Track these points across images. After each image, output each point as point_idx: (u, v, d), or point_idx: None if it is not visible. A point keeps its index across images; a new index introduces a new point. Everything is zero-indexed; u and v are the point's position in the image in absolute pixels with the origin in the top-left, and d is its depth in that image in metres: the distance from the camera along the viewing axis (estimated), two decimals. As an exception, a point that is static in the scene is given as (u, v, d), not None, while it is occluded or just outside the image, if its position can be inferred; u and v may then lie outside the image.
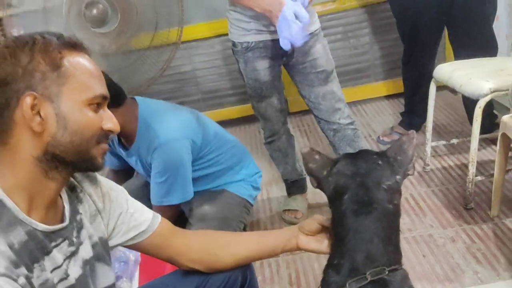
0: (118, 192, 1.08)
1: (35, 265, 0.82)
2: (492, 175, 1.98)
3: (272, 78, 2.01)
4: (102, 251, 1.00)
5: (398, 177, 1.04)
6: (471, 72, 2.06)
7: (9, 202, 0.81)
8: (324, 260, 1.07)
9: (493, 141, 2.33)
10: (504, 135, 1.81)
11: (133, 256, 1.53)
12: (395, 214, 1.04)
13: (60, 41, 0.85)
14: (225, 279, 1.16)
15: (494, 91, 1.90)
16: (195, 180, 1.82)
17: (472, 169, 2.02)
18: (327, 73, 2.01)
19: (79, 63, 0.86)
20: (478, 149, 2.09)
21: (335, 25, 3.26)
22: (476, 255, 1.85)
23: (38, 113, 0.82)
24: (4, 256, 0.76)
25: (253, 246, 1.19)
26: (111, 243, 1.06)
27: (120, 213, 1.06)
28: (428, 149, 2.43)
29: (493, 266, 1.78)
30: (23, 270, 0.78)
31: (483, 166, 2.33)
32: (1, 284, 0.73)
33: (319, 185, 1.10)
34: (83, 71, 0.86)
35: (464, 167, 2.35)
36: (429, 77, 2.32)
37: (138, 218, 1.08)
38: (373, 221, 1.00)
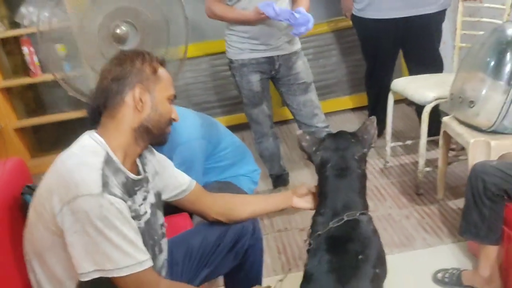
0: (167, 162, 1.49)
1: (130, 198, 1.22)
2: (437, 167, 2.48)
3: (262, 89, 2.48)
4: (159, 201, 1.41)
5: (365, 150, 1.51)
6: (420, 84, 2.59)
7: (114, 157, 1.21)
8: (303, 235, 1.50)
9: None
10: (445, 133, 2.32)
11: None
12: (363, 176, 1.49)
13: (157, 58, 1.29)
14: (240, 228, 1.57)
15: (437, 99, 2.42)
16: (205, 171, 2.12)
17: (421, 161, 2.53)
18: (307, 84, 2.49)
19: (165, 72, 1.30)
20: (428, 150, 2.61)
21: (307, 47, 3.74)
22: (425, 227, 2.33)
23: (141, 99, 1.23)
24: (117, 187, 1.17)
25: (261, 204, 1.63)
26: (163, 197, 1.46)
27: (168, 176, 1.46)
28: (388, 149, 2.93)
29: (438, 235, 2.26)
30: (126, 198, 1.19)
31: (431, 162, 2.84)
32: (119, 203, 1.13)
33: (309, 158, 1.54)
34: (167, 77, 1.30)
35: (417, 163, 2.84)
36: (387, 90, 2.82)
37: (180, 181, 1.49)
38: (348, 181, 1.46)
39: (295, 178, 2.91)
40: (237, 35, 2.39)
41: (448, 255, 2.11)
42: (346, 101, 3.92)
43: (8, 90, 3.43)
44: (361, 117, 3.76)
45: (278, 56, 2.41)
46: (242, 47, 2.39)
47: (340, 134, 1.57)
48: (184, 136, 1.95)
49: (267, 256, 2.25)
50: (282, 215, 2.61)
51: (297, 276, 1.39)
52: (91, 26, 2.26)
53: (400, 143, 3.07)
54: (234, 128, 3.72)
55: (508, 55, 1.91)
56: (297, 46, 2.47)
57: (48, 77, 3.36)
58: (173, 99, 1.33)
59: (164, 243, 1.42)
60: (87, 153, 1.18)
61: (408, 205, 2.53)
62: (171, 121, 1.33)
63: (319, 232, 1.41)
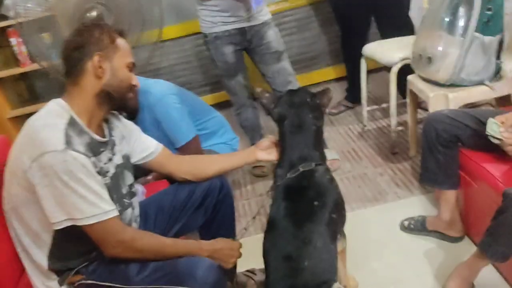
0: (134, 127, 1.61)
1: (95, 157, 1.33)
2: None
3: (236, 60, 2.58)
4: (127, 162, 1.53)
5: (319, 110, 1.62)
6: (388, 47, 2.68)
7: (78, 120, 1.33)
8: None
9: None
10: (411, 91, 2.41)
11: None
12: (318, 132, 1.60)
13: (115, 28, 1.41)
14: (208, 184, 1.69)
15: (403, 59, 2.51)
16: None
17: (393, 121, 2.63)
18: (279, 53, 2.58)
19: (123, 42, 1.41)
20: (400, 112, 2.70)
21: (288, 21, 3.84)
22: (397, 182, 2.45)
23: (100, 66, 1.34)
24: (81, 145, 1.29)
25: (226, 161, 1.74)
26: (132, 160, 1.58)
27: (135, 140, 1.58)
28: (364, 113, 3.03)
29: (408, 188, 2.38)
30: (90, 155, 1.31)
31: (406, 124, 2.94)
32: (83, 158, 1.26)
33: (268, 114, 1.66)
34: (125, 47, 1.42)
35: (393, 125, 2.97)
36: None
37: (148, 144, 1.62)
38: (303, 136, 1.57)
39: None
40: (208, 9, 2.48)
41: (417, 206, 2.23)
42: (329, 72, 4.01)
43: (1, 81, 3.56)
44: (344, 86, 3.84)
45: (249, 27, 2.50)
46: (214, 20, 2.49)
47: (298, 92, 1.68)
48: (157, 95, 2.08)
49: (241, 220, 2.38)
50: (264, 180, 2.73)
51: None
52: (68, 9, 2.37)
53: (377, 107, 3.17)
54: (220, 106, 3.89)
55: (460, 10, 2.00)
56: (267, 16, 2.56)
57: (35, 66, 3.50)
58: (132, 67, 1.44)
59: (135, 201, 1.55)
60: (52, 116, 1.30)
61: (383, 163, 2.65)
62: (131, 87, 1.44)
63: (278, 183, 1.54)
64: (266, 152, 1.70)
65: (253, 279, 1.91)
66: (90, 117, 1.37)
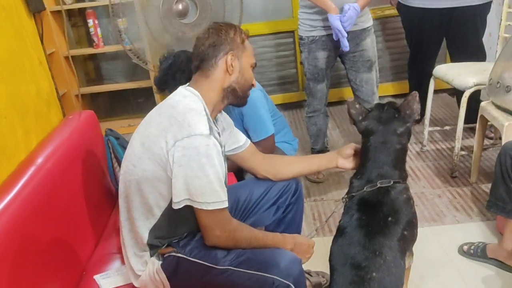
0: (230, 120, 1.68)
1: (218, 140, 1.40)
2: (473, 152, 2.58)
3: (326, 66, 2.64)
4: (225, 153, 1.59)
5: (408, 124, 1.61)
6: (461, 71, 2.68)
7: (207, 109, 1.41)
8: (337, 206, 1.66)
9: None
10: (482, 117, 2.42)
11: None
12: (402, 150, 1.60)
13: (244, 30, 1.49)
14: (285, 185, 1.75)
15: (476, 85, 2.51)
16: None
17: (457, 145, 2.63)
18: (372, 62, 2.62)
19: (249, 43, 1.50)
20: (466, 137, 2.70)
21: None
22: (456, 206, 2.45)
23: (232, 64, 1.43)
24: (213, 131, 1.36)
25: (306, 164, 1.79)
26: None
27: (230, 132, 1.66)
28: (426, 134, 3.03)
29: (467, 213, 2.38)
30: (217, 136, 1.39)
31: (468, 149, 2.93)
32: (219, 146, 1.34)
33: (355, 124, 1.68)
34: (251, 48, 1.51)
35: (453, 149, 2.93)
36: (429, 78, 2.91)
37: (238, 138, 1.69)
38: (385, 155, 1.58)
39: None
40: (309, 12, 2.53)
41: (476, 231, 2.23)
42: (388, 88, 4.02)
43: (72, 59, 3.71)
44: (401, 104, 3.85)
45: (347, 32, 2.48)
46: (313, 24, 2.54)
47: (388, 107, 1.67)
48: None
49: (303, 222, 2.42)
50: (319, 186, 2.78)
51: (329, 240, 1.54)
52: (155, 1, 2.48)
53: (438, 128, 3.17)
54: (286, 107, 3.99)
55: (547, 44, 2.00)
56: (368, 23, 2.59)
57: (108, 48, 3.66)
58: (254, 67, 1.53)
59: None
60: (191, 101, 1.39)
61: (442, 186, 2.65)
62: (251, 86, 1.53)
63: (353, 193, 1.57)
64: (347, 160, 1.73)
65: (309, 280, 1.96)
66: (213, 108, 1.45)
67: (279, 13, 3.89)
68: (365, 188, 1.55)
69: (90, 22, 3.58)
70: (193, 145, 1.28)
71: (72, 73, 3.71)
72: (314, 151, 2.94)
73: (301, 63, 2.72)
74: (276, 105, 3.98)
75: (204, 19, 2.53)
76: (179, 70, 1.84)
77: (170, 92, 1.50)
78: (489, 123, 2.41)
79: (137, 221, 1.41)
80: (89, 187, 1.71)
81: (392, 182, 1.55)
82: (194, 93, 1.42)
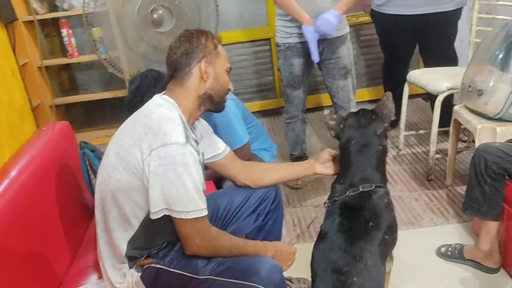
0: (208, 127, 1.68)
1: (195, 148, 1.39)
2: (448, 155, 2.63)
3: (303, 73, 2.65)
4: (203, 161, 1.58)
5: (385, 124, 1.64)
6: (434, 75, 2.74)
7: (183, 117, 1.40)
8: (316, 212, 1.66)
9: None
10: (455, 120, 2.47)
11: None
12: (383, 152, 1.62)
13: (216, 36, 1.49)
14: (265, 192, 1.75)
15: (450, 89, 2.57)
16: None
17: (432, 148, 2.68)
18: (347, 69, 2.65)
19: (222, 48, 1.49)
20: (440, 141, 2.75)
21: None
22: (433, 209, 2.49)
23: (206, 71, 1.42)
24: (189, 139, 1.34)
25: (285, 171, 1.80)
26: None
27: (209, 139, 1.65)
28: (401, 138, 3.08)
29: (444, 215, 2.42)
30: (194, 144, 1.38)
31: (442, 152, 2.98)
32: (196, 154, 1.32)
33: (336, 135, 1.67)
34: (224, 53, 1.50)
35: (429, 152, 2.98)
36: (403, 83, 2.96)
37: (217, 145, 1.68)
38: (368, 157, 1.59)
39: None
40: (284, 19, 2.55)
41: (452, 233, 2.27)
42: (364, 93, 4.07)
43: (46, 70, 3.66)
44: (377, 109, 3.91)
45: (323, 39, 2.53)
46: (289, 31, 2.56)
47: (362, 112, 1.69)
48: None
49: (283, 228, 2.42)
50: (298, 192, 2.79)
51: (310, 245, 1.55)
52: (130, 10, 2.47)
53: (414, 133, 3.22)
54: (264, 114, 4.00)
55: (515, 48, 2.06)
56: (345, 30, 2.61)
57: (83, 58, 3.61)
58: (229, 72, 1.52)
59: None
60: (166, 109, 1.38)
61: (418, 189, 2.69)
62: (228, 91, 1.53)
63: (336, 198, 1.58)
64: (325, 166, 1.74)
65: (290, 287, 1.95)
66: (189, 116, 1.44)
67: (255, 21, 3.91)
68: (347, 192, 1.56)
69: (64, 31, 3.52)
70: (169, 154, 1.27)
71: (46, 84, 3.66)
72: (293, 157, 2.95)
73: (278, 69, 2.74)
74: (254, 112, 4.02)
75: (180, 28, 2.53)
76: (147, 92, 1.83)
77: None
78: (462, 126, 2.46)
79: (115, 232, 1.39)
80: (65, 200, 1.69)
81: (374, 187, 1.56)
82: (169, 101, 1.40)
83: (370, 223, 1.48)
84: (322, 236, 1.52)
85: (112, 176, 1.36)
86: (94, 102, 3.86)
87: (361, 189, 1.54)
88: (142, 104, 1.50)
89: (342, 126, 1.64)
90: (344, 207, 1.54)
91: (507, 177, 1.85)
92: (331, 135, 1.70)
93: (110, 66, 2.61)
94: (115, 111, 3.99)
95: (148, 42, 2.48)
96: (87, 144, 1.76)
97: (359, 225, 1.49)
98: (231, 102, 2.17)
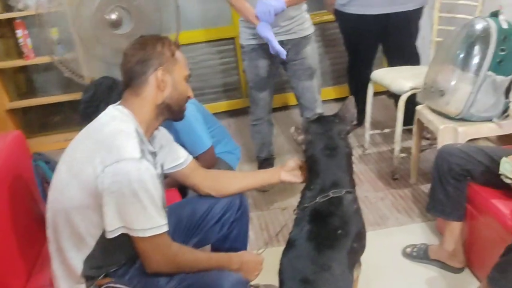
0: (169, 136, 1.61)
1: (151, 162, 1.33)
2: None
3: (268, 75, 2.61)
4: (162, 172, 1.53)
5: (348, 128, 1.63)
6: (398, 75, 2.75)
7: (140, 130, 1.33)
8: (284, 214, 1.62)
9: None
10: (418, 120, 2.49)
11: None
12: (350, 154, 1.62)
13: (173, 42, 1.41)
14: (229, 201, 1.71)
15: (412, 88, 2.58)
16: None
17: (397, 147, 2.70)
18: (312, 70, 2.62)
19: (181, 55, 1.42)
20: (405, 139, 2.77)
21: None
22: (398, 208, 2.51)
23: (163, 79, 1.35)
24: (149, 155, 1.30)
25: (250, 180, 1.76)
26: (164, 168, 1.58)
27: (169, 149, 1.59)
28: (367, 137, 3.09)
29: (409, 215, 2.44)
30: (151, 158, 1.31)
31: (407, 150, 3.00)
32: (152, 169, 1.26)
33: (306, 150, 1.62)
34: (183, 59, 1.42)
35: (393, 150, 3.02)
36: (368, 82, 2.97)
37: (179, 154, 1.62)
38: (337, 161, 1.57)
39: (281, 164, 3.03)
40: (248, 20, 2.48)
41: (418, 233, 2.29)
42: (329, 92, 4.07)
43: (0, 72, 3.50)
44: (343, 107, 3.92)
45: (288, 40, 2.49)
46: (253, 32, 2.48)
47: (325, 117, 1.68)
48: None
49: (250, 233, 2.37)
50: (265, 195, 2.76)
51: (279, 250, 1.51)
52: (87, 11, 2.38)
53: (379, 131, 3.24)
54: (231, 114, 3.96)
55: (476, 48, 2.08)
56: (309, 31, 2.57)
57: (40, 60, 3.47)
58: (188, 79, 1.45)
59: None
60: (120, 122, 1.31)
61: (384, 188, 2.71)
62: (188, 98, 1.46)
63: (306, 205, 1.54)
64: (290, 173, 1.71)
65: (258, 295, 1.93)
66: (147, 128, 1.37)
67: (219, 20, 3.85)
68: (317, 198, 1.53)
69: (19, 32, 3.37)
70: (123, 170, 1.21)
71: (2, 87, 3.51)
72: (260, 159, 2.92)
73: (243, 71, 2.69)
74: (220, 112, 3.99)
75: (140, 30, 2.45)
76: (102, 101, 1.75)
77: None
78: (425, 125, 2.48)
79: (69, 252, 1.32)
80: (18, 215, 1.60)
81: (344, 192, 1.54)
82: (124, 112, 1.33)
83: (339, 231, 1.46)
84: (290, 244, 1.49)
85: (64, 194, 1.29)
86: (53, 105, 3.72)
87: (331, 195, 1.52)
88: (97, 114, 1.43)
89: (307, 137, 1.61)
90: (313, 214, 1.52)
91: (469, 178, 1.87)
92: (303, 149, 1.65)
93: (67, 70, 2.50)
94: (75, 114, 3.85)
95: (106, 44, 2.39)
96: (41, 155, 1.67)
97: (328, 233, 1.47)
98: (191, 106, 2.11)
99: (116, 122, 1.30)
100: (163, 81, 1.35)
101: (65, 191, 1.28)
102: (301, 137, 1.62)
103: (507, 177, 1.64)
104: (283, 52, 2.35)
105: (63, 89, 3.81)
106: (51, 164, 1.70)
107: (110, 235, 1.24)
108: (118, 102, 1.39)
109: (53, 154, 1.87)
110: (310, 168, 1.62)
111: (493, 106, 2.14)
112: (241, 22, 2.55)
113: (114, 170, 1.21)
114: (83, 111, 1.80)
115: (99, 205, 1.24)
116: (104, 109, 1.42)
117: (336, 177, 1.55)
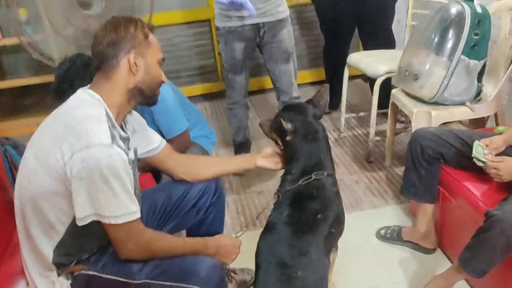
0: (142, 120, 1.58)
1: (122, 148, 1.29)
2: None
3: (244, 58, 2.58)
4: (136, 157, 1.49)
5: (321, 114, 1.64)
6: (373, 59, 2.76)
7: (111, 114, 1.29)
8: (260, 197, 1.60)
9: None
10: (393, 104, 2.50)
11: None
12: (328, 138, 1.63)
13: (147, 24, 1.36)
14: (204, 186, 1.69)
15: (387, 72, 2.60)
16: None
17: (372, 131, 2.72)
18: (289, 53, 2.60)
19: (154, 38, 1.37)
20: (380, 122, 2.79)
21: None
22: (373, 191, 2.54)
23: (135, 63, 1.31)
24: (120, 141, 1.26)
25: (225, 165, 1.74)
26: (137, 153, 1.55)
27: (143, 133, 1.56)
28: (342, 121, 3.11)
29: (383, 197, 2.47)
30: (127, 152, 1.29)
31: (382, 133, 3.04)
32: (124, 155, 1.23)
33: (279, 133, 1.61)
34: (156, 42, 1.38)
35: (369, 134, 3.04)
36: (344, 65, 2.98)
37: (153, 138, 1.59)
38: (320, 144, 1.58)
39: (257, 148, 3.04)
40: (224, 2, 2.43)
41: (391, 215, 2.32)
42: (305, 75, 4.07)
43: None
44: (319, 90, 3.92)
45: (263, 23, 2.47)
46: (229, 14, 2.45)
47: (300, 105, 1.69)
48: None
49: (226, 217, 2.37)
50: (242, 179, 2.76)
51: (255, 234, 1.52)
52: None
53: (354, 115, 3.26)
54: (207, 97, 3.91)
55: (450, 32, 2.10)
56: (285, 13, 2.55)
57: (8, 41, 3.34)
58: (161, 63, 1.41)
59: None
60: (90, 106, 1.26)
61: (359, 171, 2.73)
62: (161, 83, 1.42)
63: (288, 188, 1.54)
64: (267, 160, 1.70)
65: (234, 279, 1.93)
66: (118, 112, 1.34)
67: (194, 1, 3.77)
68: (300, 181, 1.53)
69: (-15, 12, 3.25)
70: (93, 156, 1.17)
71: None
72: (236, 143, 2.90)
73: (219, 53, 2.65)
74: (196, 96, 3.94)
75: (111, 10, 2.39)
76: (77, 76, 1.70)
77: None
78: (400, 108, 2.50)
79: (38, 239, 1.29)
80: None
81: (325, 174, 1.54)
82: (94, 97, 1.29)
83: (319, 215, 1.47)
84: (269, 228, 1.49)
85: (32, 181, 1.25)
86: (23, 88, 3.62)
87: (314, 177, 1.52)
88: (72, 91, 1.39)
89: (281, 123, 1.58)
90: (294, 197, 1.51)
91: (442, 161, 1.90)
92: (276, 139, 1.65)
93: (36, 52, 2.42)
94: (46, 97, 3.75)
95: (76, 25, 2.31)
96: (9, 139, 1.62)
97: (307, 217, 1.47)
98: (167, 88, 2.08)
99: (86, 106, 1.27)
100: (135, 65, 1.31)
101: (33, 177, 1.25)
102: (289, 126, 1.58)
103: (479, 160, 1.67)
104: (252, 9, 2.33)
105: (34, 71, 3.70)
106: (19, 149, 1.65)
107: (80, 222, 1.22)
108: (88, 86, 1.35)
109: (25, 138, 1.80)
110: (290, 154, 1.60)
111: (466, 90, 2.17)
112: (216, 4, 2.50)
113: (83, 156, 1.17)
114: (57, 86, 1.73)
115: (68, 191, 1.21)
116: (79, 86, 1.37)
117: (318, 160, 1.55)
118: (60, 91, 1.73)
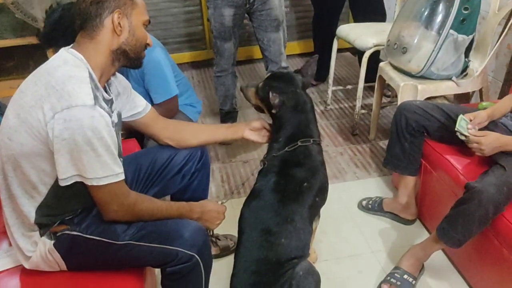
0: (127, 83, 1.55)
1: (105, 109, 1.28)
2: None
3: (233, 24, 2.55)
4: (120, 121, 1.48)
5: (308, 84, 1.65)
6: (362, 31, 2.74)
7: (94, 75, 1.27)
8: (246, 167, 1.60)
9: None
10: (380, 77, 2.51)
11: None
12: (314, 108, 1.63)
13: None
14: (189, 152, 1.68)
15: (376, 45, 2.59)
16: None
17: (358, 104, 2.73)
18: (279, 22, 2.57)
19: None
20: (367, 96, 2.79)
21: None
22: (356, 163, 2.57)
23: (119, 23, 1.28)
24: (103, 102, 1.25)
25: (212, 134, 1.73)
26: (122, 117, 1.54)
27: (127, 96, 1.53)
28: (329, 93, 3.11)
29: (366, 169, 2.51)
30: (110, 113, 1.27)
31: (368, 107, 3.06)
32: (107, 116, 1.21)
33: (266, 101, 1.61)
34: (142, 3, 1.35)
35: (355, 107, 3.06)
36: (333, 37, 2.97)
37: (137, 102, 1.57)
38: (308, 113, 1.59)
39: (243, 117, 3.05)
40: None
41: (374, 186, 2.36)
42: (294, 47, 4.04)
43: None
44: (307, 62, 3.91)
45: None
46: None
47: (288, 74, 1.68)
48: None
49: (211, 185, 2.40)
50: (227, 148, 2.76)
51: (239, 201, 1.53)
52: None
53: (341, 88, 3.26)
54: (194, 65, 3.86)
55: (440, 6, 2.09)
56: None
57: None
58: (147, 25, 1.38)
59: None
60: (72, 67, 1.23)
61: (343, 143, 2.75)
62: (146, 46, 1.39)
63: (274, 154, 1.55)
64: (254, 132, 1.70)
65: (217, 244, 1.96)
66: (101, 73, 1.31)
67: (183, -34, 3.71)
68: (286, 148, 1.54)
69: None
70: (75, 117, 1.16)
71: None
72: (223, 112, 2.89)
73: (208, 20, 2.62)
74: (183, 63, 3.89)
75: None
76: (70, 26, 1.65)
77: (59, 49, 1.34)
78: (387, 82, 2.51)
79: (20, 199, 1.28)
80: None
81: (312, 141, 1.55)
82: (77, 56, 1.26)
83: (305, 184, 1.48)
84: (255, 194, 1.50)
85: (14, 140, 1.23)
86: (5, 50, 3.53)
87: (299, 144, 1.53)
88: (64, 40, 1.35)
89: (268, 89, 1.59)
90: (281, 164, 1.52)
91: (425, 134, 1.92)
92: (260, 106, 1.65)
93: (18, 12, 2.35)
94: (29, 60, 3.68)
95: (61, -15, 2.24)
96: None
97: (293, 185, 1.48)
98: (161, 50, 2.05)
99: (68, 66, 1.24)
100: (120, 25, 1.29)
101: (14, 136, 1.23)
102: (277, 101, 1.57)
103: (462, 134, 1.69)
104: None
105: (17, 32, 3.60)
106: (2, 110, 1.62)
107: (63, 183, 1.21)
108: (71, 46, 1.32)
109: (7, 100, 1.78)
110: (278, 125, 1.60)
111: (453, 65, 2.18)
112: None
113: (65, 116, 1.16)
114: (48, 34, 1.66)
115: (50, 153, 1.19)
116: (70, 36, 1.34)
117: (305, 129, 1.56)
118: (51, 38, 1.67)
